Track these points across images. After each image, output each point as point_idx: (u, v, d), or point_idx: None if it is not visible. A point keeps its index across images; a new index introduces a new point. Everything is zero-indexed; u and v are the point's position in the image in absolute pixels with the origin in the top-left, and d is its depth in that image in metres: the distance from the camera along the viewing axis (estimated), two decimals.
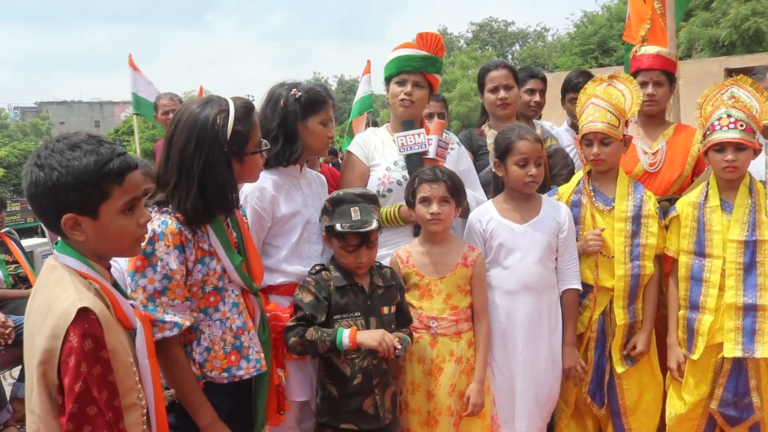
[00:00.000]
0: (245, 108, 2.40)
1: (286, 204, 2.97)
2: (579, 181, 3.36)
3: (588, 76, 4.65)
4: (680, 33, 22.19)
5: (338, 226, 2.75)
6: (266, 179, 2.93)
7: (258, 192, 2.90)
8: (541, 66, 38.37)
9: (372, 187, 3.30)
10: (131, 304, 1.94)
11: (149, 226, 2.20)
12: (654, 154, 3.64)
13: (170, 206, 2.31)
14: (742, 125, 3.02)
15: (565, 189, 3.41)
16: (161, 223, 2.26)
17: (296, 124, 2.94)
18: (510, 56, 52.29)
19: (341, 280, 2.85)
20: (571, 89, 4.66)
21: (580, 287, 3.24)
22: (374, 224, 2.79)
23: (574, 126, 4.72)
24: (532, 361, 3.16)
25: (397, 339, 2.73)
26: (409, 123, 3.32)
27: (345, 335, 2.71)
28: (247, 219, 2.72)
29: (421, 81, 3.36)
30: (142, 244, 2.10)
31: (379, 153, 3.41)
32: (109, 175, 1.78)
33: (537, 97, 4.48)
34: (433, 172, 3.05)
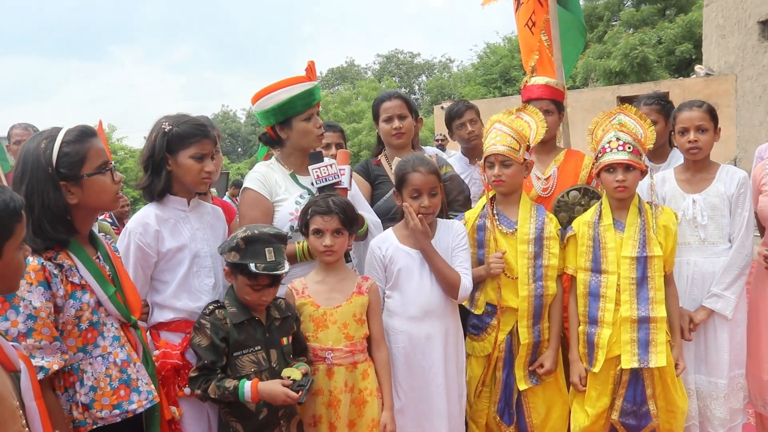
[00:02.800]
0: (79, 132, 2.37)
1: (172, 238, 2.89)
2: (484, 206, 3.46)
3: (465, 104, 4.85)
4: (578, 64, 23.32)
5: (252, 266, 2.72)
6: (150, 213, 2.89)
7: (141, 227, 2.84)
8: (447, 96, 39.31)
9: (283, 222, 3.24)
10: (13, 345, 1.85)
11: None
12: (546, 179, 3.80)
13: None
14: (629, 147, 3.20)
15: (471, 214, 3.50)
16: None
17: (164, 157, 2.87)
18: (417, 87, 53.37)
19: (238, 315, 2.81)
20: (455, 117, 4.82)
21: (469, 285, 3.25)
22: (286, 267, 2.80)
23: (467, 152, 4.88)
24: (441, 383, 3.19)
25: (299, 378, 2.75)
26: (317, 155, 3.31)
27: (247, 391, 2.70)
28: (119, 254, 2.67)
29: (319, 110, 3.38)
30: None
31: (282, 188, 3.34)
32: (15, 212, 1.76)
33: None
34: (326, 203, 3.04)
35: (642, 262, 3.20)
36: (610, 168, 3.23)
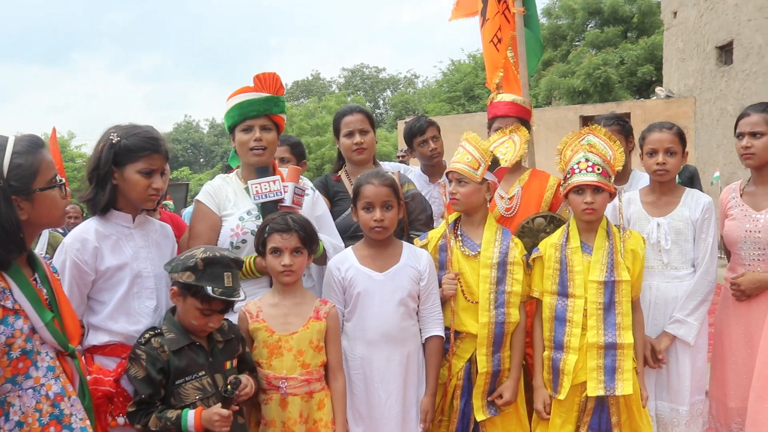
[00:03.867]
0: (29, 142, 2.17)
1: (112, 255, 2.71)
2: (447, 226, 3.35)
3: (427, 119, 4.76)
4: (540, 82, 23.61)
5: (210, 290, 2.54)
6: (90, 229, 2.71)
7: (78, 243, 2.67)
8: (412, 111, 39.44)
9: (225, 238, 3.13)
10: None
11: None
12: (510, 199, 3.70)
13: None
14: (599, 169, 3.12)
15: (435, 233, 3.37)
16: None
17: (110, 170, 2.71)
18: (381, 101, 53.50)
19: (177, 341, 2.63)
20: (416, 134, 4.70)
21: (442, 334, 3.18)
22: (242, 295, 2.65)
23: (427, 169, 4.78)
24: (399, 412, 3.06)
25: (229, 386, 2.61)
26: (262, 170, 3.17)
27: (190, 421, 2.54)
28: (58, 275, 2.46)
29: (268, 124, 3.22)
30: None
31: (231, 202, 3.21)
32: None
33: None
34: (285, 221, 2.90)
35: (609, 286, 3.11)
36: (579, 189, 3.14)
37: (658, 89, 17.58)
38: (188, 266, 2.57)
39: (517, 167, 3.79)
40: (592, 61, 22.15)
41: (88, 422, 2.25)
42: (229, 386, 2.60)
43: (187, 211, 10.77)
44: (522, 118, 3.80)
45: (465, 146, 3.27)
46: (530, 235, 3.49)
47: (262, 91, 3.21)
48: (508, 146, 3.47)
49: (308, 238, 2.92)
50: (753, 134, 3.45)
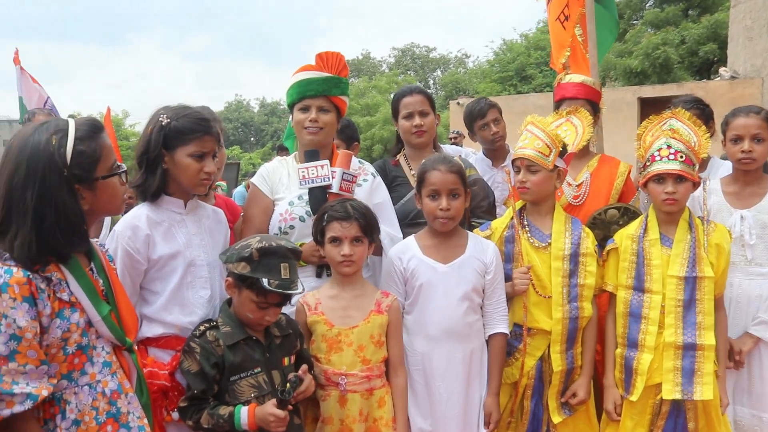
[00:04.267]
0: (90, 126, 2.05)
1: (165, 243, 2.61)
2: (513, 215, 3.16)
3: (488, 101, 4.56)
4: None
5: (266, 282, 2.41)
6: (141, 215, 2.60)
7: (130, 231, 2.56)
8: (462, 91, 38.92)
9: (274, 223, 3.03)
10: None
11: None
12: (578, 186, 3.50)
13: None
14: (682, 156, 2.89)
15: (498, 224, 3.18)
16: (4, 272, 1.87)
17: (159, 153, 2.58)
18: (432, 81, 52.97)
19: (232, 336, 2.51)
20: (477, 117, 4.53)
21: (507, 331, 3.01)
22: (300, 287, 2.51)
23: (490, 153, 4.58)
24: (461, 412, 2.92)
25: (288, 384, 2.48)
26: (312, 153, 3.05)
27: (244, 418, 2.43)
28: (114, 264, 2.35)
29: (326, 105, 3.10)
30: None
31: (284, 186, 3.12)
32: None
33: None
34: (344, 208, 2.76)
35: (690, 282, 2.89)
36: (660, 178, 2.91)
37: (722, 70, 16.88)
38: (243, 257, 2.45)
39: (585, 152, 3.59)
40: (650, 40, 21.31)
41: (145, 420, 2.16)
42: (288, 384, 2.47)
43: (237, 191, 10.78)
44: (591, 101, 3.58)
45: (533, 131, 3.08)
46: (602, 227, 3.28)
47: (323, 70, 3.10)
48: (566, 129, 3.27)
49: (369, 226, 2.78)
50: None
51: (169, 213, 2.67)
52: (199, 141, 2.59)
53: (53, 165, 1.94)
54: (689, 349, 2.88)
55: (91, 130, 2.05)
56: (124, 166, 2.17)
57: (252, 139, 58.14)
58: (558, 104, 3.67)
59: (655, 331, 2.92)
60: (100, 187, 2.05)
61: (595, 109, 3.60)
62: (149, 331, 2.59)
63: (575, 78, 3.68)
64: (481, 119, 4.52)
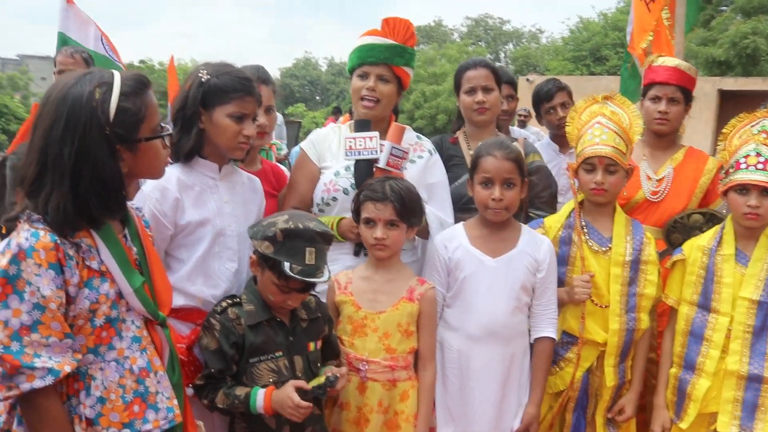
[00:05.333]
0: (136, 82, 1.86)
1: (194, 209, 2.45)
2: (569, 214, 2.89)
3: (557, 83, 4.25)
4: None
5: (287, 267, 2.22)
6: (171, 177, 2.42)
7: (158, 192, 2.39)
8: (533, 68, 38.06)
9: (318, 192, 2.88)
10: None
11: (14, 241, 1.71)
12: (659, 181, 3.21)
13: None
14: None
15: (553, 222, 2.92)
16: (30, 235, 1.71)
17: (196, 111, 2.42)
18: (503, 54, 52.00)
19: (255, 315, 2.35)
20: (544, 99, 4.26)
21: (555, 336, 2.78)
22: (326, 275, 2.31)
23: (557, 139, 4.29)
24: (493, 418, 2.71)
25: (316, 383, 2.30)
26: (363, 123, 2.86)
27: (260, 401, 2.27)
28: (149, 230, 2.17)
29: (387, 74, 2.90)
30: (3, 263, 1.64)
31: (332, 154, 2.95)
32: None
33: (505, 105, 4.05)
34: (382, 188, 2.56)
35: (765, 308, 2.58)
36: (743, 189, 2.61)
37: None
38: (267, 236, 2.26)
39: (669, 144, 3.32)
40: (739, 29, 20.21)
41: (175, 402, 2.00)
42: (325, 380, 2.31)
43: (295, 151, 10.68)
44: (685, 88, 3.25)
45: (606, 124, 2.79)
46: (683, 232, 3.02)
47: (387, 37, 2.91)
48: (619, 116, 2.92)
49: (407, 210, 2.57)
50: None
51: (201, 177, 2.51)
52: (240, 101, 2.42)
53: (95, 121, 1.77)
54: (754, 381, 2.59)
55: (138, 86, 1.87)
56: (170, 128, 2.01)
57: (318, 98, 58.23)
58: (647, 89, 3.35)
59: (717, 356, 2.65)
60: (142, 149, 1.88)
61: (688, 98, 3.28)
62: None
63: (669, 61, 3.32)
64: (548, 102, 4.26)
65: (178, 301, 2.44)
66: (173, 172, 2.45)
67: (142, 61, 38.00)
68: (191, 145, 2.45)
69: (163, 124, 1.97)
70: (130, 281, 1.89)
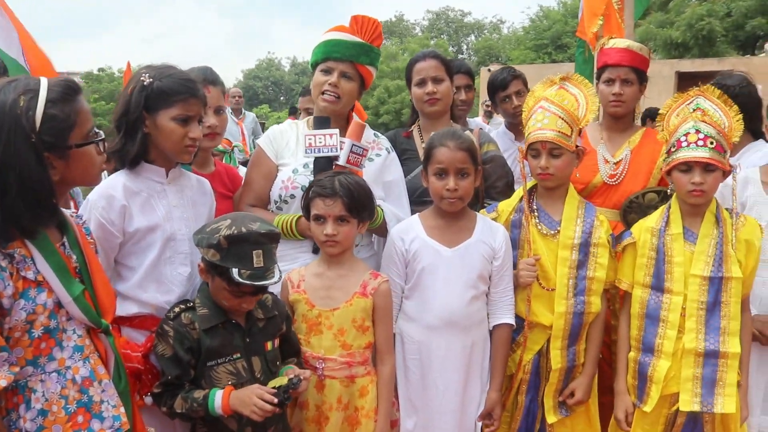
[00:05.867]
0: (65, 88, 1.84)
1: (142, 215, 2.40)
2: (521, 198, 2.88)
3: (511, 72, 4.24)
4: (636, 31, 22.21)
5: (235, 273, 2.19)
6: (117, 184, 2.39)
7: (104, 200, 2.35)
8: (495, 58, 38.21)
9: (275, 190, 2.85)
10: None
11: None
12: (616, 164, 3.22)
13: None
14: (712, 143, 2.58)
15: (505, 206, 2.92)
16: None
17: (140, 116, 2.37)
18: (465, 47, 52.17)
19: (209, 319, 2.32)
20: (499, 88, 4.24)
21: (513, 322, 2.79)
22: (276, 275, 2.28)
23: (512, 127, 4.30)
24: (458, 406, 2.72)
25: (280, 384, 2.27)
26: (322, 120, 2.83)
27: (218, 402, 2.24)
28: (91, 238, 2.14)
29: (351, 72, 2.89)
30: None
31: (291, 151, 2.92)
32: None
33: (463, 95, 4.03)
34: (331, 183, 2.54)
35: (716, 283, 2.61)
36: (686, 167, 2.62)
37: (767, 45, 16.19)
38: (212, 243, 2.22)
39: (627, 125, 3.33)
40: (695, 11, 20.51)
41: (122, 409, 1.98)
42: (287, 381, 2.29)
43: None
44: (638, 68, 3.25)
45: (549, 108, 2.78)
46: (638, 212, 3.02)
47: (355, 34, 2.89)
48: (562, 98, 2.94)
49: (357, 205, 2.55)
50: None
51: (148, 182, 2.47)
52: (184, 103, 2.38)
53: (19, 129, 1.74)
54: (711, 356, 2.61)
55: (66, 92, 1.84)
56: (102, 134, 1.97)
57: (282, 98, 57.92)
58: (600, 72, 3.36)
59: (674, 335, 2.65)
60: (73, 155, 1.86)
61: (641, 78, 3.28)
62: (123, 309, 2.39)
63: (619, 43, 3.33)
64: (503, 90, 4.24)
65: (132, 309, 2.42)
66: (119, 179, 2.41)
67: (101, 69, 37.27)
68: (136, 150, 2.40)
69: (96, 130, 1.93)
70: (69, 290, 1.86)
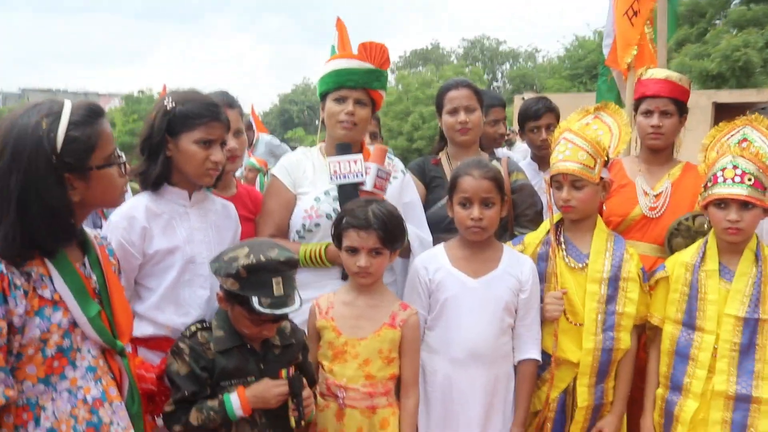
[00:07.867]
0: (87, 111, 1.86)
1: (163, 237, 2.42)
2: (548, 231, 2.82)
3: (547, 104, 4.18)
4: (671, 63, 21.99)
5: (256, 302, 2.17)
6: (139, 206, 2.41)
7: (125, 221, 2.37)
8: (530, 87, 38.17)
9: (297, 219, 2.81)
10: None
11: None
12: (656, 196, 3.10)
13: None
14: (750, 179, 2.49)
15: (533, 238, 2.87)
16: None
17: (163, 139, 2.40)
18: (500, 74, 52.24)
19: (225, 341, 2.31)
20: (531, 118, 4.17)
21: (539, 357, 2.72)
22: (297, 302, 2.26)
23: (538, 159, 4.24)
24: None
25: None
26: (344, 147, 2.81)
27: (236, 403, 2.24)
28: (112, 259, 2.15)
29: (364, 98, 2.87)
30: None
31: (309, 180, 2.89)
32: None
33: (502, 128, 4.04)
34: (364, 215, 2.50)
35: (751, 325, 2.51)
36: (722, 203, 2.54)
37: None
38: (230, 273, 2.21)
39: (667, 158, 3.22)
40: (731, 42, 20.23)
41: (132, 431, 1.97)
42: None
43: None
44: (677, 99, 3.13)
45: (572, 139, 2.74)
46: (686, 236, 2.91)
47: (365, 60, 2.87)
48: (597, 129, 2.88)
49: (391, 236, 2.52)
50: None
51: (171, 204, 2.48)
52: (206, 127, 2.40)
53: (41, 151, 1.77)
54: (742, 401, 2.52)
55: (89, 114, 1.87)
56: (124, 157, 1.99)
57: (317, 122, 58.41)
58: (637, 103, 3.25)
59: (704, 376, 2.57)
60: (94, 177, 1.88)
61: (681, 109, 3.16)
62: (139, 330, 2.38)
63: (658, 73, 3.22)
64: (534, 120, 4.17)
65: (148, 330, 2.42)
66: (142, 200, 2.44)
67: (141, 91, 38.47)
68: (158, 172, 2.42)
69: (119, 153, 1.95)
70: (85, 310, 1.87)
